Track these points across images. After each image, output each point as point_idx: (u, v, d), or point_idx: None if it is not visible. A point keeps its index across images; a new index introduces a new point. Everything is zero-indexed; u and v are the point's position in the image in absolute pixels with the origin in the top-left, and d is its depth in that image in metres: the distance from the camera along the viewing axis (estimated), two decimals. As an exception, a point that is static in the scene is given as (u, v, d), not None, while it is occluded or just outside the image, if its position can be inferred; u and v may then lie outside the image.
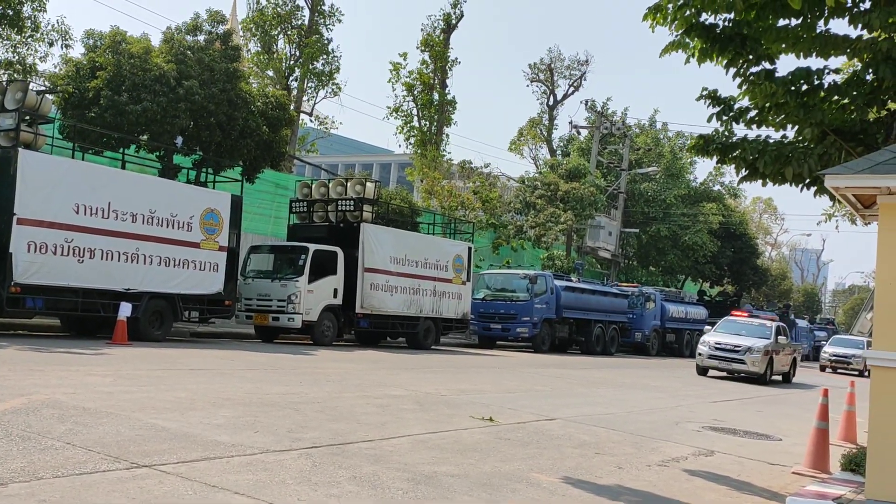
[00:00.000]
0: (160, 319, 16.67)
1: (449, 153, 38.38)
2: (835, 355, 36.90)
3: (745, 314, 25.28)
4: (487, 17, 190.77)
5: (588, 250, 40.75)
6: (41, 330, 16.71)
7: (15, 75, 17.57)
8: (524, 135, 48.54)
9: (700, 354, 22.40)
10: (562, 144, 50.14)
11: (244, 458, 5.99)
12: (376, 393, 11.02)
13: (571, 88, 48.11)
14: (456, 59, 37.01)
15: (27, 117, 14.84)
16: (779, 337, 22.76)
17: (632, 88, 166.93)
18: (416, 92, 35.55)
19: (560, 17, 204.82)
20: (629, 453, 8.34)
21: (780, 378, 23.75)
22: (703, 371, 22.64)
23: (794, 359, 24.68)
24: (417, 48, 35.89)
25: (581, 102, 62.56)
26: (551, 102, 48.09)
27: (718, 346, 21.91)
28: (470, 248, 25.07)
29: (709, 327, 28.78)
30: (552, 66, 47.25)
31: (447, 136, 37.32)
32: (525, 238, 34.99)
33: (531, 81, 47.77)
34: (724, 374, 22.51)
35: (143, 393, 8.69)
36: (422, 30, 36.38)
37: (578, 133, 46.77)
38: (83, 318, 16.06)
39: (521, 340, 28.01)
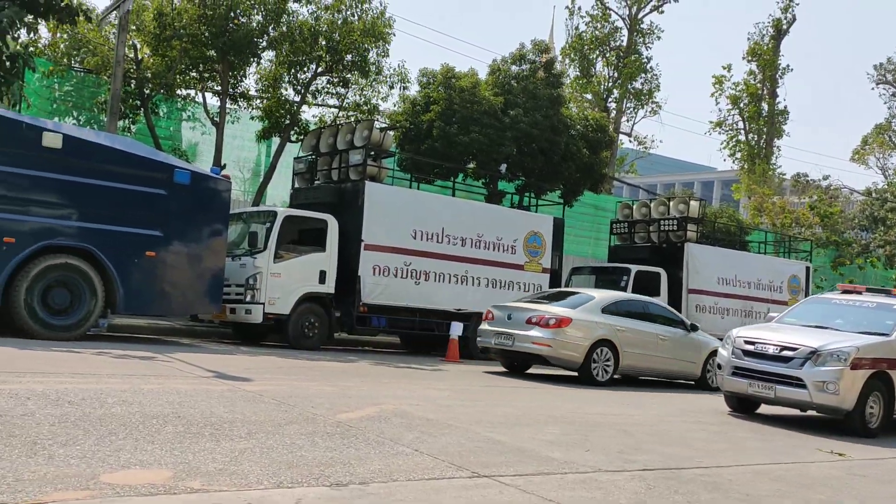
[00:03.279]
0: (488, 339, 17.37)
1: (780, 167, 35.94)
2: None
3: (861, 290, 12.65)
4: (823, 17, 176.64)
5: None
6: (383, 346, 18.21)
7: (361, 115, 19.49)
8: (869, 143, 44.00)
9: (719, 367, 11.36)
10: (919, 152, 44.74)
11: (577, 476, 5.97)
12: (708, 419, 10.50)
13: (930, 87, 42.82)
14: (787, 66, 34.73)
15: (372, 152, 16.35)
16: None
17: None
18: (742, 104, 33.89)
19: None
20: None
21: None
22: (735, 402, 11.53)
23: None
24: (743, 58, 34.35)
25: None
26: (903, 104, 43.16)
27: (750, 347, 10.83)
28: (808, 268, 23.17)
29: None
30: (904, 63, 42.45)
31: (778, 148, 35.11)
32: (873, 257, 31.58)
33: (877, 83, 43.28)
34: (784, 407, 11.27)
35: (477, 407, 9.06)
36: (748, 39, 34.79)
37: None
38: (419, 336, 17.23)
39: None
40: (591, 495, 5.43)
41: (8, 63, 14.37)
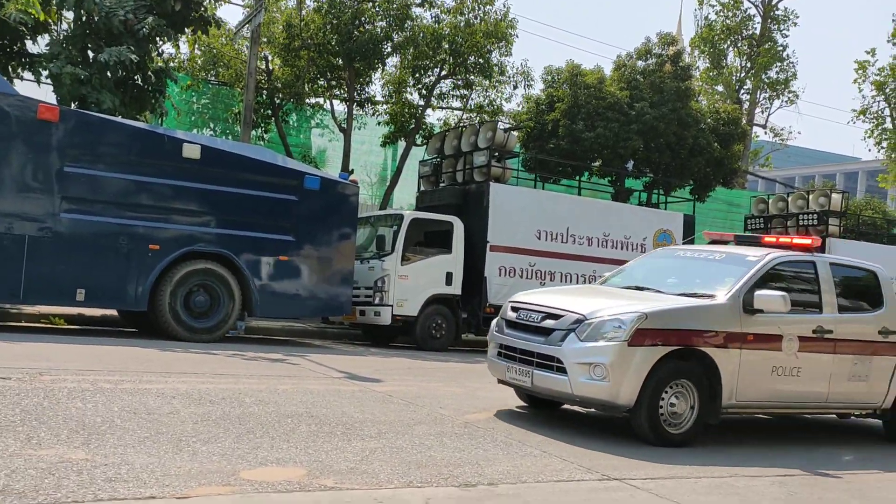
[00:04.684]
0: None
1: (931, 155, 33.55)
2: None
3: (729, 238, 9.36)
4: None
5: None
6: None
7: (485, 117, 19.54)
8: None
9: (490, 340, 8.19)
10: None
11: (713, 480, 5.75)
12: (859, 420, 9.91)
13: None
14: (936, 47, 32.43)
15: (496, 153, 16.35)
16: (759, 292, 7.08)
17: None
18: (888, 90, 31.86)
19: None
20: None
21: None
22: (522, 394, 8.40)
23: None
24: (888, 41, 32.24)
25: None
26: None
27: (514, 315, 7.68)
28: (964, 263, 21.54)
29: None
30: None
31: (928, 134, 32.71)
32: None
33: None
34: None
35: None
36: (893, 20, 32.77)
37: None
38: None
39: None
40: (727, 501, 5.21)
41: (154, 78, 15.24)
